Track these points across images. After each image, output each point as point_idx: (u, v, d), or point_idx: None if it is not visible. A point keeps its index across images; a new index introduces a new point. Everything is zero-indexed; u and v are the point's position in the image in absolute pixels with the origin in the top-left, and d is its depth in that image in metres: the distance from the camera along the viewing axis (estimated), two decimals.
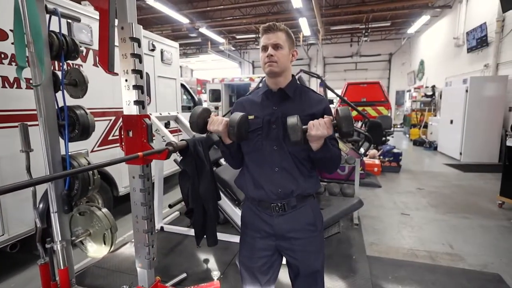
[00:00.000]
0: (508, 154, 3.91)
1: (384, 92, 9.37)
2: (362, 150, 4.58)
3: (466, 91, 6.90)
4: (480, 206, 4.15)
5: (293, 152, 1.23)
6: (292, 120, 1.07)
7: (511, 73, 6.81)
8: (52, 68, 1.84)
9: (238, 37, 16.63)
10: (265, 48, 1.22)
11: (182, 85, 5.60)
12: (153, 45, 4.22)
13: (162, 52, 4.46)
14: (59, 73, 1.84)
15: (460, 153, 7.13)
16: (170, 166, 4.40)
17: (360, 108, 5.64)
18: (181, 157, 2.07)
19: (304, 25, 11.33)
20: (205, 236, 2.08)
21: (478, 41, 8.16)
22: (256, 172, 1.27)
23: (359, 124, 6.61)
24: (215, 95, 10.22)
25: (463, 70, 9.29)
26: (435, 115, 9.99)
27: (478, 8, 8.57)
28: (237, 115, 1.15)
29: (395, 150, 6.48)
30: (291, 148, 1.23)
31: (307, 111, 1.22)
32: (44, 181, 1.35)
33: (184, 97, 6.00)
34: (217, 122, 1.19)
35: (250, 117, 1.25)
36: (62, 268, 1.89)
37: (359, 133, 4.93)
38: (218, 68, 20.67)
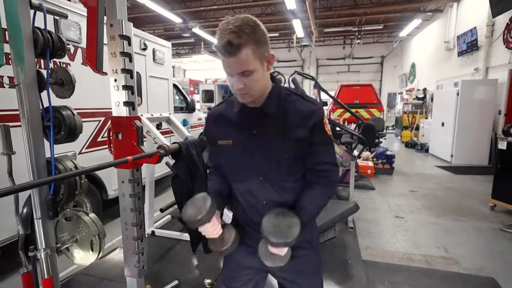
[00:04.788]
0: (500, 157, 3.94)
1: (377, 94, 9.45)
2: (355, 152, 4.57)
3: (457, 94, 6.99)
4: (472, 209, 4.17)
5: (278, 184, 1.06)
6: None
7: (500, 77, 6.93)
8: (37, 66, 1.75)
9: None
10: (230, 73, 0.93)
11: (175, 86, 5.51)
12: (145, 44, 4.13)
13: (154, 52, 4.36)
14: (44, 72, 1.74)
15: (451, 155, 7.21)
16: (162, 168, 4.30)
17: (353, 110, 5.65)
18: (174, 161, 2.00)
19: (298, 26, 11.34)
20: (200, 243, 2.01)
21: (469, 45, 8.28)
22: (243, 201, 1.12)
23: (353, 126, 6.61)
24: (208, 96, 10.16)
25: (453, 73, 9.42)
26: (427, 118, 10.09)
27: (468, 12, 8.71)
28: (232, 243, 1.04)
29: (388, 152, 6.51)
30: (276, 179, 1.06)
31: (293, 133, 1.00)
32: (27, 187, 1.26)
33: (177, 97, 5.91)
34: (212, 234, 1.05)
35: (226, 141, 1.07)
36: (46, 277, 1.79)
37: (352, 135, 4.92)
38: (211, 69, 20.50)
